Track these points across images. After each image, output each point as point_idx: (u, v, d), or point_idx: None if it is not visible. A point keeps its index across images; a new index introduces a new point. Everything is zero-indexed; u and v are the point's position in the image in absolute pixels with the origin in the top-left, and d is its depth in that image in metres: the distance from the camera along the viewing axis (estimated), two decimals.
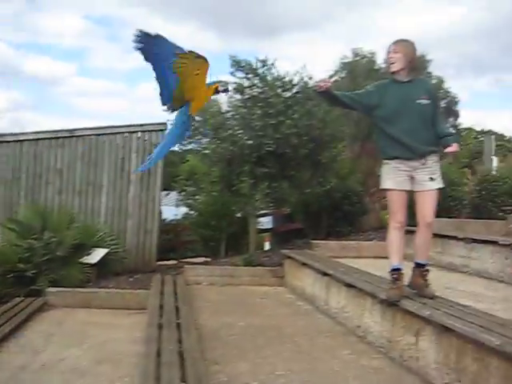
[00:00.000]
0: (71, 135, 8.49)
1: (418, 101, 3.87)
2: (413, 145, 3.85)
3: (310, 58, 46.94)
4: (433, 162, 3.90)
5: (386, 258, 7.64)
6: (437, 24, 44.45)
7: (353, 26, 54.92)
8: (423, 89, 3.96)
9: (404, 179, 3.95)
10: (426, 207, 3.94)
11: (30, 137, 8.46)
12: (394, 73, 3.94)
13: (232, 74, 7.87)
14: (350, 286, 4.99)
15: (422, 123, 3.87)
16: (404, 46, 3.91)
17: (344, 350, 4.26)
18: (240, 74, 7.84)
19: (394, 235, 4.11)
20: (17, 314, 5.20)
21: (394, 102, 3.91)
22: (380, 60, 21.99)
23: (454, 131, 4.04)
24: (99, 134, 8.60)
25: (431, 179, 3.88)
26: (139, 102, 73.59)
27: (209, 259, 10.05)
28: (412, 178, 3.95)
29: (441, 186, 3.93)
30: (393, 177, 3.98)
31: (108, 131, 8.67)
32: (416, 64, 4.02)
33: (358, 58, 21.41)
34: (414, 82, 3.95)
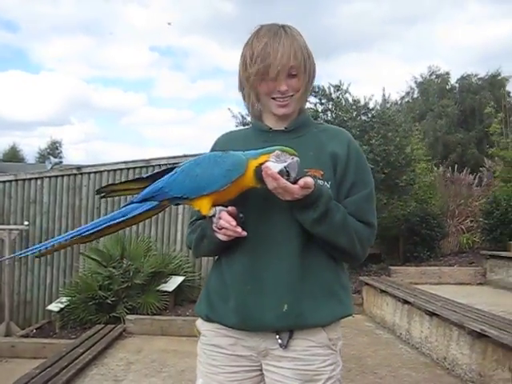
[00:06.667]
0: (147, 165, 8.71)
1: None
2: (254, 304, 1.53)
3: (367, 79, 46.04)
4: (315, 345, 1.53)
5: (470, 284, 7.35)
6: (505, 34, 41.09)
7: (410, 43, 53.31)
8: (319, 150, 1.60)
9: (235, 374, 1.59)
10: None
11: (109, 167, 8.74)
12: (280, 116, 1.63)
13: None
14: (433, 314, 4.76)
15: (296, 245, 1.53)
16: (305, 53, 1.57)
17: None
18: (313, 100, 7.82)
19: None
20: (98, 342, 5.31)
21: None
22: (453, 79, 21.52)
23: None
24: (174, 163, 8.75)
25: None
26: (205, 129, 75.45)
27: None
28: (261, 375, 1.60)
29: None
30: (204, 367, 1.63)
31: (182, 160, 8.81)
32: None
33: (433, 77, 20.92)
34: (304, 135, 1.64)
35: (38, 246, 1.67)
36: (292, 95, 1.57)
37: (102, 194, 1.71)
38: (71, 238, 1.61)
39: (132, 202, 1.62)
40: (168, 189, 1.56)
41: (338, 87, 7.75)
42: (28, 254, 1.75)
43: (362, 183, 1.58)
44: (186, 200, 1.56)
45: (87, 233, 1.59)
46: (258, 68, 1.52)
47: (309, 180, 1.40)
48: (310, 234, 1.50)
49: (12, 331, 7.52)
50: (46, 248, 1.68)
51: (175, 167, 1.60)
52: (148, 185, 1.61)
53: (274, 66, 1.51)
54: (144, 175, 1.67)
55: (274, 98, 1.57)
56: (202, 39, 78.10)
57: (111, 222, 1.59)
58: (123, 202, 1.75)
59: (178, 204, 1.65)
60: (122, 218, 1.60)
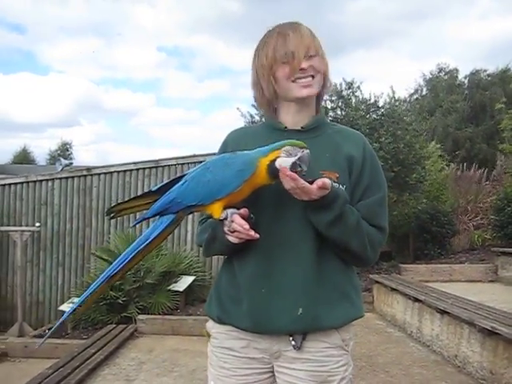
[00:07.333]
0: (157, 165, 8.74)
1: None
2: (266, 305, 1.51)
3: (376, 76, 45.73)
4: (329, 346, 1.52)
5: (481, 281, 7.32)
6: None
7: (419, 40, 52.62)
8: (335, 152, 1.57)
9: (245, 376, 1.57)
10: None
11: (119, 168, 8.78)
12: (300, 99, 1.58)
13: None
14: (444, 312, 4.75)
15: (310, 247, 1.51)
16: (319, 41, 1.59)
17: (441, 382, 4.03)
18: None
19: None
20: (110, 342, 5.34)
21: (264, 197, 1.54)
22: (461, 75, 21.37)
23: None
24: (183, 163, 8.79)
25: None
26: (213, 128, 75.32)
27: None
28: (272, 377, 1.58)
29: None
30: (216, 369, 1.62)
31: (192, 160, 8.85)
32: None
33: (441, 74, 20.76)
34: (320, 136, 1.60)
35: (77, 302, 1.65)
36: (313, 76, 1.54)
37: (112, 215, 1.65)
38: (103, 280, 1.57)
39: (144, 219, 1.60)
40: (181, 198, 1.50)
41: (350, 84, 7.73)
42: (73, 310, 1.65)
43: (376, 186, 1.57)
44: (200, 207, 1.51)
45: (118, 269, 1.57)
46: (280, 51, 1.51)
47: (326, 181, 1.38)
48: (324, 235, 1.48)
49: (25, 332, 7.58)
50: (86, 298, 1.60)
51: (183, 176, 1.55)
52: (157, 198, 1.55)
53: (294, 44, 1.50)
54: (152, 188, 1.60)
55: (294, 82, 1.53)
56: (208, 39, 77.94)
57: (136, 252, 1.56)
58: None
59: (191, 213, 1.60)
60: (147, 242, 1.55)
